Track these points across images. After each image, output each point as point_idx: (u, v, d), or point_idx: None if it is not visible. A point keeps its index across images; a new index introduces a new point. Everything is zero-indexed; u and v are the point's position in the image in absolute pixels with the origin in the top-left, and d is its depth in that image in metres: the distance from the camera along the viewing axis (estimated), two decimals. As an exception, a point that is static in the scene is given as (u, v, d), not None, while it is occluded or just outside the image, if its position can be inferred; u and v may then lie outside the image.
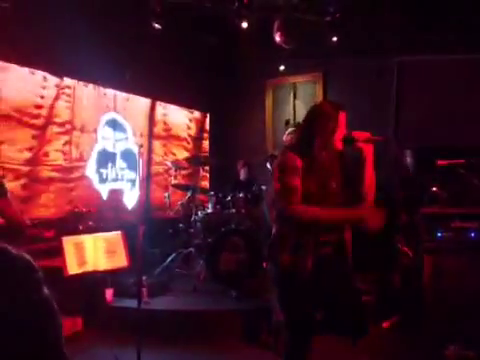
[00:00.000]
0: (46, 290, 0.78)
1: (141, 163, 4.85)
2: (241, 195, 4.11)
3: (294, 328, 2.05)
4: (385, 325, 3.37)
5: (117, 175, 4.64)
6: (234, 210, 4.05)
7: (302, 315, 2.01)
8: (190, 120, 5.82)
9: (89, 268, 2.79)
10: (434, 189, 3.56)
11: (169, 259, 4.35)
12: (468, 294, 3.12)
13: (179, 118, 5.64)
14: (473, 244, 3.22)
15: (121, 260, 2.93)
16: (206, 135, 6.09)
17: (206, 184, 5.64)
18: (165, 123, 5.40)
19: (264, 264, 3.79)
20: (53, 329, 0.77)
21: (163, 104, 5.36)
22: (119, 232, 3.02)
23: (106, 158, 4.51)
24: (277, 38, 4.00)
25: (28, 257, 0.79)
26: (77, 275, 2.77)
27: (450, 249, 3.25)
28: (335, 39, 4.21)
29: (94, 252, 2.85)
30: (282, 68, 5.48)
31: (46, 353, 0.75)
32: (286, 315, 2.08)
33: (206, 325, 3.18)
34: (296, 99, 5.82)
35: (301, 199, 1.91)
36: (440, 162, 2.67)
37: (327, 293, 2.02)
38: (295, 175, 1.91)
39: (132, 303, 3.03)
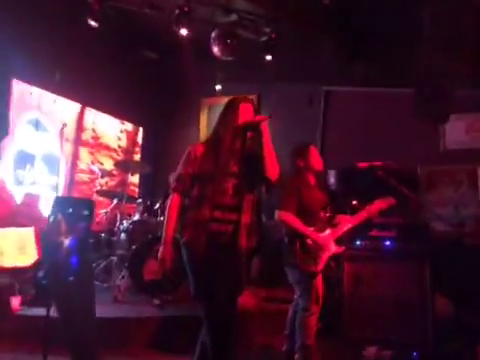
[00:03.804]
0: None
1: (64, 167, 4.58)
2: (171, 203, 3.99)
3: (210, 316, 1.94)
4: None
5: (35, 179, 4.29)
6: (162, 218, 3.91)
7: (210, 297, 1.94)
8: (121, 131, 5.65)
9: (-8, 263, 2.47)
10: (354, 202, 3.77)
11: (88, 271, 4.03)
12: (383, 300, 3.29)
13: (110, 128, 5.45)
14: (387, 252, 3.43)
15: (30, 258, 2.65)
16: (138, 149, 5.94)
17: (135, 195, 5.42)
18: (94, 131, 5.18)
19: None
20: None
21: (94, 111, 5.16)
22: (31, 228, 2.75)
23: (24, 159, 4.17)
24: (214, 49, 4.10)
25: None
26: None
27: (367, 257, 3.42)
28: (269, 58, 4.43)
29: None
30: (218, 88, 5.62)
31: None
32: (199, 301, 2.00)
33: (122, 333, 2.94)
34: (231, 120, 5.96)
35: (193, 182, 2.07)
36: (360, 164, 2.84)
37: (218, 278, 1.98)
38: (190, 165, 2.08)
39: (41, 312, 2.79)
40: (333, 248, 2.70)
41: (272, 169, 2.06)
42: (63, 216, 2.33)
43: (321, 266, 2.64)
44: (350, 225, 2.80)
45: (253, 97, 5.91)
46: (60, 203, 2.41)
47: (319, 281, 2.67)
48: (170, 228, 2.06)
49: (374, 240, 3.45)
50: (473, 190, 4.30)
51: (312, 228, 2.67)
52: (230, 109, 2.15)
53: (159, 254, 2.05)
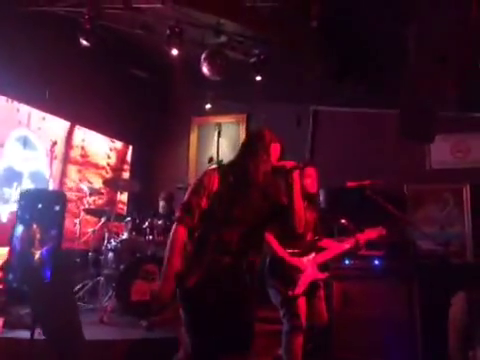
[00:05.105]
0: None
1: (52, 185, 4.53)
2: (160, 222, 3.97)
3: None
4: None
5: (22, 197, 4.22)
6: (151, 237, 3.88)
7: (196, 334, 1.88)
8: (111, 149, 5.64)
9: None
10: (343, 221, 3.79)
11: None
12: (372, 319, 3.28)
13: (99, 146, 5.43)
14: (376, 271, 3.45)
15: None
16: (126, 167, 5.91)
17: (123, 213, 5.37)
18: (83, 149, 5.15)
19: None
20: None
21: (83, 129, 5.14)
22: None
23: (11, 177, 4.11)
24: (204, 69, 4.16)
25: None
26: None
27: (356, 276, 3.44)
28: (259, 78, 4.51)
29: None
30: (208, 106, 5.68)
31: None
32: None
33: (108, 356, 2.87)
34: (220, 138, 5.99)
35: (201, 217, 1.92)
36: (349, 183, 2.88)
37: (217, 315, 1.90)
38: (203, 196, 1.91)
39: (25, 334, 2.71)
40: (315, 273, 2.66)
41: (300, 222, 1.98)
42: (37, 225, 2.18)
43: (300, 290, 2.58)
44: (335, 253, 2.78)
45: (242, 117, 6.02)
46: (28, 197, 2.20)
47: (301, 303, 2.60)
48: (174, 261, 1.84)
49: (363, 259, 3.47)
50: (458, 209, 4.38)
51: (296, 250, 2.64)
52: (261, 146, 1.98)
53: (158, 288, 1.86)
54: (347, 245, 2.81)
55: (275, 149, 2.00)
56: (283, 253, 2.60)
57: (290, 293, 2.56)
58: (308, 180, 2.77)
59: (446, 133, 4.49)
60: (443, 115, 4.25)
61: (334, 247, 2.81)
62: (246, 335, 1.96)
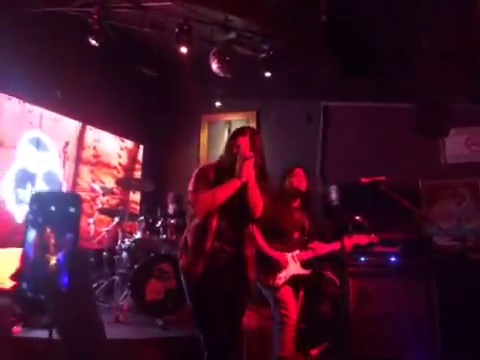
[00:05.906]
0: None
1: (65, 185, 4.56)
2: (172, 221, 3.98)
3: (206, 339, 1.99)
4: (313, 352, 3.34)
5: (36, 198, 4.26)
6: (165, 236, 3.89)
7: (207, 323, 1.99)
8: (122, 149, 5.66)
9: (-6, 285, 2.42)
10: (357, 218, 3.75)
11: (89, 291, 3.98)
12: (390, 316, 3.24)
13: (111, 146, 5.46)
14: (393, 268, 3.40)
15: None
16: (138, 166, 5.93)
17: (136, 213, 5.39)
18: (95, 149, 5.18)
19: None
20: None
21: (95, 130, 5.17)
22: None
23: (25, 178, 4.15)
24: (214, 66, 4.14)
25: None
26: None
27: (372, 273, 3.39)
28: (268, 74, 4.48)
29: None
30: (218, 104, 5.66)
31: None
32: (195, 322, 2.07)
33: (124, 355, 2.88)
34: (230, 136, 5.97)
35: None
36: (363, 180, 2.85)
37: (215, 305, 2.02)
38: (206, 184, 2.10)
39: (43, 334, 2.73)
40: (296, 269, 2.76)
41: (256, 207, 2.09)
42: (51, 229, 2.17)
43: (279, 282, 2.69)
44: (318, 253, 2.88)
45: (252, 114, 5.98)
46: (40, 200, 2.16)
47: (287, 293, 2.71)
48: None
49: (379, 256, 3.43)
50: (475, 204, 4.30)
51: (279, 245, 2.76)
52: (232, 141, 2.17)
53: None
54: (332, 247, 2.90)
55: (243, 142, 2.11)
56: (265, 246, 2.72)
57: (270, 282, 2.68)
58: (295, 178, 2.92)
59: (460, 126, 4.41)
60: (457, 108, 4.18)
61: (320, 248, 2.90)
62: (239, 330, 2.10)
